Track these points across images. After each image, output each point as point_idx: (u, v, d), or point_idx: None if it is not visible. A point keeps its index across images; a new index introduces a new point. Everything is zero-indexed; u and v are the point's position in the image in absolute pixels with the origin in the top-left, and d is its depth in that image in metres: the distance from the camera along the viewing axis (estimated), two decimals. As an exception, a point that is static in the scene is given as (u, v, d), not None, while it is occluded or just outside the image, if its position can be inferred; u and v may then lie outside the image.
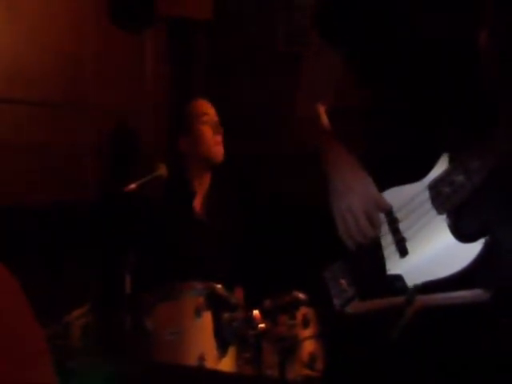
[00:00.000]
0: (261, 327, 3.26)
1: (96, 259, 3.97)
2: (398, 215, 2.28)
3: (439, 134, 2.28)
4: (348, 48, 2.43)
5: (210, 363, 3.27)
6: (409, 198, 2.27)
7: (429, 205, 2.23)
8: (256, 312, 3.30)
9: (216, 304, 3.39)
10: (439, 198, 2.22)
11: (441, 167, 2.22)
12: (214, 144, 3.90)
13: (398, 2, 2.34)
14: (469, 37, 2.27)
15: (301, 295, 3.33)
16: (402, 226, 2.27)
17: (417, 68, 2.29)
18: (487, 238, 2.15)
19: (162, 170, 3.77)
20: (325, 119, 2.48)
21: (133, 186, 3.71)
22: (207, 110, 3.99)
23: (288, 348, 3.33)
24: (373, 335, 2.27)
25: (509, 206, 2.28)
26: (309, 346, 3.32)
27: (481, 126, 2.21)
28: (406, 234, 2.26)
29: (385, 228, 2.29)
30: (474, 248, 2.15)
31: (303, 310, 3.31)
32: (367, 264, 2.34)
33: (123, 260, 3.53)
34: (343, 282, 2.36)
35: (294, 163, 2.76)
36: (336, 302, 2.36)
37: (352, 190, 2.30)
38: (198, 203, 4.01)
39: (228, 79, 4.91)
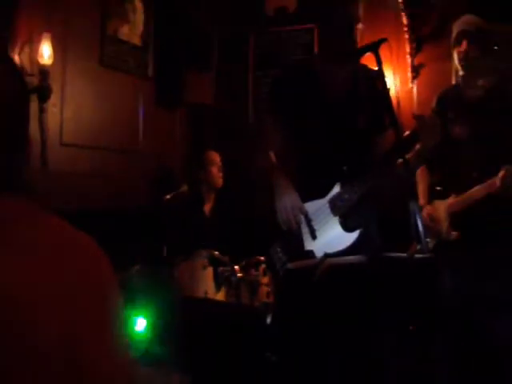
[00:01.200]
0: (239, 276, 3.74)
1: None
2: (312, 216, 2.64)
3: (336, 171, 2.61)
4: (287, 120, 2.71)
5: (211, 296, 3.73)
6: (318, 207, 2.64)
7: (329, 211, 2.62)
8: (237, 267, 3.77)
9: (214, 262, 3.80)
10: (335, 207, 2.60)
11: (335, 190, 2.60)
12: (218, 178, 4.32)
13: (315, 99, 2.65)
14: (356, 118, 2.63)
15: (261, 258, 3.62)
16: (313, 222, 2.64)
17: (325, 132, 2.62)
18: (361, 230, 2.57)
19: (184, 189, 4.28)
20: (274, 161, 2.75)
21: (168, 196, 4.23)
22: (215, 158, 4.37)
23: (254, 287, 3.71)
24: (302, 280, 2.47)
25: (373, 213, 2.71)
26: (266, 287, 3.69)
27: (361, 166, 2.57)
28: (316, 227, 2.64)
29: (304, 223, 2.64)
30: (354, 235, 2.59)
31: (263, 266, 3.66)
32: (294, 243, 2.65)
33: (162, 237, 4.07)
34: (280, 252, 2.69)
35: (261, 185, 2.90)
36: (276, 264, 2.71)
37: (285, 199, 2.59)
38: (207, 209, 4.35)
39: (225, 140, 4.95)
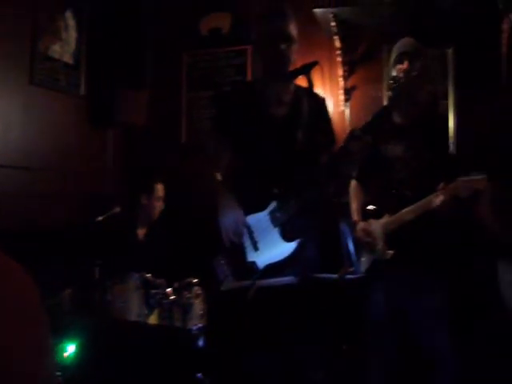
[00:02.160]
0: (172, 298, 3.70)
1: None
2: (254, 229, 2.78)
3: (277, 185, 2.75)
4: (231, 139, 2.90)
5: (143, 319, 3.67)
6: (259, 219, 2.78)
7: (269, 222, 2.77)
8: (169, 289, 3.73)
9: (147, 285, 3.75)
10: (274, 219, 2.75)
11: (275, 202, 2.75)
12: (157, 211, 4.45)
13: (258, 118, 2.83)
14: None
15: (194, 280, 3.70)
16: (255, 234, 2.78)
17: (267, 149, 2.80)
18: (297, 241, 2.69)
19: (117, 210, 4.28)
20: (218, 179, 2.91)
21: (100, 218, 4.19)
22: (160, 192, 4.46)
23: (187, 309, 3.65)
24: (233, 302, 2.70)
25: (311, 225, 2.80)
26: (199, 308, 3.67)
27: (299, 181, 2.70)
28: (257, 239, 2.78)
29: (246, 235, 2.78)
30: (292, 245, 2.70)
31: (196, 289, 3.68)
32: (237, 255, 2.78)
33: (94, 260, 3.91)
34: (224, 265, 2.82)
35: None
36: (220, 277, 2.81)
37: (228, 215, 2.75)
38: (140, 233, 4.45)
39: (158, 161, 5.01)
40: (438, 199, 2.88)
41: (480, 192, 2.82)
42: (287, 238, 2.75)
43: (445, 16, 4.11)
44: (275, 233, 2.78)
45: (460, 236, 3.37)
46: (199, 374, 3.35)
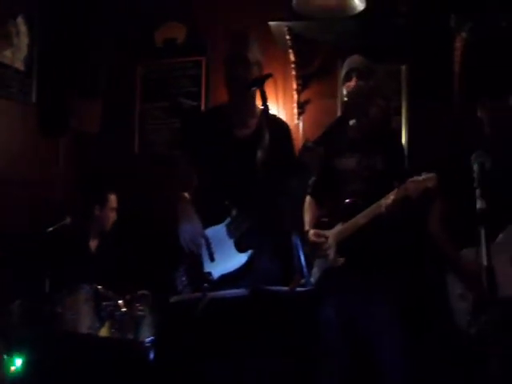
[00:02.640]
0: (123, 310, 3.77)
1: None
2: (211, 240, 2.93)
3: (234, 200, 2.88)
4: (196, 156, 3.06)
5: (94, 331, 3.73)
6: (216, 231, 2.93)
7: (225, 234, 2.92)
8: (121, 301, 3.80)
9: (98, 297, 3.80)
10: (230, 231, 2.91)
11: (232, 215, 2.89)
12: (110, 223, 4.50)
13: (223, 138, 3.01)
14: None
15: (146, 292, 3.81)
16: (212, 246, 2.93)
17: (227, 166, 2.95)
18: (250, 252, 2.83)
19: (68, 221, 4.24)
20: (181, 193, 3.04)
21: (50, 228, 4.18)
22: (113, 203, 4.50)
23: (139, 322, 3.75)
24: (185, 313, 2.63)
25: (260, 240, 2.89)
26: (151, 320, 3.77)
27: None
28: (214, 250, 2.93)
29: (204, 246, 2.92)
30: (245, 256, 2.84)
31: (147, 301, 3.80)
32: (194, 265, 2.92)
33: (44, 271, 3.94)
34: (183, 275, 2.94)
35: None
36: (178, 286, 2.93)
37: (188, 225, 2.89)
38: (93, 244, 4.47)
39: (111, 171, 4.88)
40: (388, 200, 2.94)
41: (430, 191, 2.88)
42: (241, 249, 2.90)
43: (399, 33, 4.20)
44: (230, 244, 2.92)
45: (412, 241, 3.44)
46: (151, 388, 3.37)
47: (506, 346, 2.24)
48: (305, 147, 2.72)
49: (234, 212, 2.93)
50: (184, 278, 2.97)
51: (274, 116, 2.92)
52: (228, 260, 2.90)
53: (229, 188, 2.97)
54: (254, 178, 2.94)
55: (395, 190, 2.94)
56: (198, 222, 2.93)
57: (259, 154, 2.96)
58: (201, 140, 3.10)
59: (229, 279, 2.84)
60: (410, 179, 2.91)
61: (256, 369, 2.49)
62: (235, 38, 3.07)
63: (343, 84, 3.26)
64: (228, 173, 2.99)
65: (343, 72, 3.28)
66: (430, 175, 2.89)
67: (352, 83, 3.20)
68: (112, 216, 4.51)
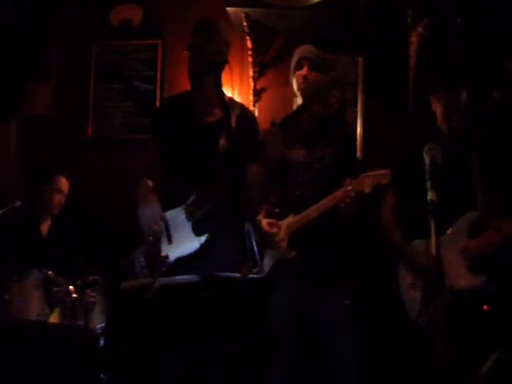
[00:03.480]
0: (74, 296, 3.75)
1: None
2: (170, 223, 2.95)
3: (194, 183, 2.92)
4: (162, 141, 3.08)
5: (43, 318, 3.72)
6: (176, 214, 2.96)
7: (184, 217, 2.95)
8: (72, 287, 3.79)
9: (48, 283, 3.80)
10: (189, 213, 2.94)
11: (191, 198, 2.92)
12: (59, 206, 4.44)
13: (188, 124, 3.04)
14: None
15: (98, 277, 3.80)
16: (170, 228, 2.95)
17: (191, 151, 2.99)
18: (206, 236, 2.86)
19: (17, 204, 4.14)
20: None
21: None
22: (63, 186, 4.45)
23: (90, 308, 3.75)
24: (136, 299, 2.71)
25: (217, 224, 2.92)
26: (102, 306, 3.78)
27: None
28: (172, 232, 2.94)
29: (163, 229, 2.93)
30: (202, 239, 2.87)
31: (99, 286, 3.80)
32: (152, 247, 2.91)
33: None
34: (141, 256, 2.95)
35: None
36: (136, 268, 2.95)
37: (147, 207, 2.89)
38: (43, 228, 4.43)
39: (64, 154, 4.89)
40: (340, 193, 3.01)
41: (383, 186, 2.97)
42: (197, 232, 2.91)
43: (356, 25, 4.25)
44: (188, 227, 2.94)
45: (363, 234, 3.48)
46: (103, 375, 3.36)
47: (452, 335, 2.27)
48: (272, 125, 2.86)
49: (193, 196, 2.94)
50: (142, 259, 2.96)
51: (243, 105, 2.96)
52: (185, 243, 2.92)
53: (190, 173, 2.98)
54: (215, 163, 2.94)
55: (347, 184, 2.99)
56: (157, 205, 2.93)
57: (222, 140, 2.97)
58: (167, 126, 3.10)
59: (184, 263, 2.86)
60: (363, 174, 2.98)
61: (206, 354, 2.55)
62: (201, 26, 3.05)
63: (294, 73, 3.30)
64: (190, 158, 2.99)
65: (294, 60, 3.32)
66: (383, 171, 2.97)
67: (303, 72, 3.25)
68: (59, 198, 4.43)
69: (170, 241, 2.95)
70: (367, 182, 2.97)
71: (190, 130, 3.05)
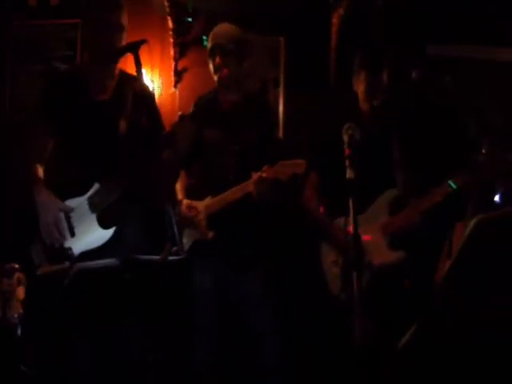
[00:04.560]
0: None
1: None
2: (71, 214, 2.81)
3: (97, 170, 2.80)
4: (57, 125, 2.91)
5: None
6: (77, 204, 2.82)
7: (87, 208, 2.81)
8: None
9: None
10: (93, 204, 2.80)
11: (95, 188, 2.79)
12: None
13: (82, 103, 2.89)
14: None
15: (16, 265, 3.61)
16: (72, 220, 2.81)
17: (89, 133, 2.83)
18: (117, 227, 2.76)
19: None
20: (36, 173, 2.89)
21: None
22: None
23: (8, 297, 3.56)
24: (50, 287, 2.69)
25: (132, 211, 2.85)
26: (21, 295, 3.60)
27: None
28: (74, 224, 2.81)
29: (63, 220, 2.80)
30: (109, 232, 2.75)
31: (17, 275, 3.61)
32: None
33: None
34: (40, 250, 2.80)
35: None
36: (35, 262, 2.80)
37: (46, 215, 2.77)
38: None
39: None
40: (255, 179, 3.00)
41: (298, 176, 2.98)
42: (104, 225, 2.79)
43: (277, 4, 4.26)
44: (93, 219, 2.81)
45: (282, 216, 3.49)
46: (22, 366, 3.27)
47: (371, 311, 2.33)
48: (180, 118, 2.75)
49: (96, 185, 2.82)
50: (41, 253, 2.83)
51: (138, 69, 2.76)
52: (90, 236, 2.79)
53: (90, 158, 2.85)
54: (117, 146, 2.85)
55: (264, 171, 2.99)
56: (55, 206, 2.81)
57: (121, 121, 2.87)
58: (57, 104, 2.93)
59: (91, 256, 2.71)
60: (280, 162, 2.98)
61: (126, 340, 2.49)
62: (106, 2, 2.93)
63: (209, 59, 3.26)
64: (88, 140, 2.86)
65: (208, 47, 3.27)
66: (299, 161, 2.98)
67: (216, 62, 3.20)
68: None
69: (72, 233, 2.82)
70: (284, 170, 2.97)
71: (85, 109, 2.89)
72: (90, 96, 2.92)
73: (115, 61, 2.93)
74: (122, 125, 2.87)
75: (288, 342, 3.21)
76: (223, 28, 3.30)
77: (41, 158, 2.96)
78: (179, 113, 3.03)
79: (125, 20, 2.91)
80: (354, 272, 2.22)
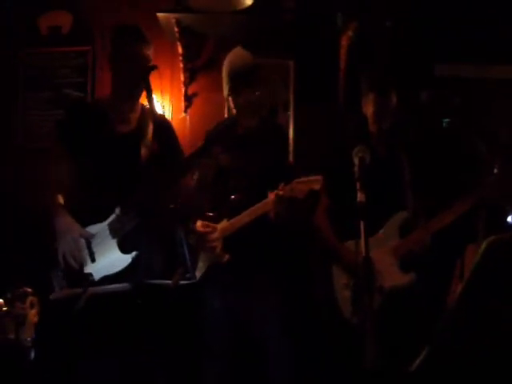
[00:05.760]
0: (4, 309, 3.64)
1: None
2: (92, 240, 2.85)
3: (117, 197, 2.85)
4: (75, 151, 2.97)
5: None
6: (98, 230, 2.86)
7: (107, 233, 2.85)
8: (1, 300, 3.70)
9: None
10: (113, 230, 2.84)
11: (115, 214, 2.84)
12: None
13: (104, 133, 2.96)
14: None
15: (29, 289, 3.68)
16: (93, 245, 2.85)
17: (110, 162, 2.91)
18: (134, 253, 2.79)
19: None
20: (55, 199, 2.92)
21: None
22: None
23: (21, 321, 3.62)
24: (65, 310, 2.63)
25: (151, 237, 2.92)
26: (33, 319, 3.66)
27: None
28: (95, 249, 2.85)
29: (84, 246, 2.84)
30: (129, 257, 2.80)
31: (30, 298, 3.66)
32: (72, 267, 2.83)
33: None
34: (60, 276, 2.83)
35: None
36: (56, 288, 2.82)
37: (65, 242, 2.80)
38: None
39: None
40: (273, 198, 2.98)
41: (315, 193, 2.97)
42: (124, 250, 2.83)
43: (286, 28, 4.28)
44: (113, 244, 2.85)
45: (297, 238, 3.47)
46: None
47: (382, 334, 2.32)
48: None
49: (117, 211, 2.86)
50: (61, 279, 2.86)
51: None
52: (110, 261, 2.83)
53: (111, 185, 2.89)
54: (137, 175, 2.89)
55: (281, 189, 2.97)
56: (76, 225, 2.85)
57: (143, 150, 2.94)
58: (79, 134, 2.99)
59: (112, 281, 2.74)
60: (296, 180, 2.97)
61: (138, 364, 2.50)
62: (130, 35, 3.00)
63: (229, 95, 3.21)
64: (110, 169, 2.91)
65: (226, 76, 3.23)
66: (316, 177, 2.96)
67: (241, 99, 3.17)
68: None
69: (92, 258, 2.86)
70: (300, 187, 2.96)
71: (107, 139, 2.97)
72: (114, 127, 2.98)
73: (139, 95, 2.98)
74: (144, 153, 2.94)
75: (299, 365, 3.17)
76: (238, 53, 3.30)
77: (61, 186, 3.00)
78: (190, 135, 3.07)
79: (152, 54, 2.97)
80: (365, 295, 2.23)
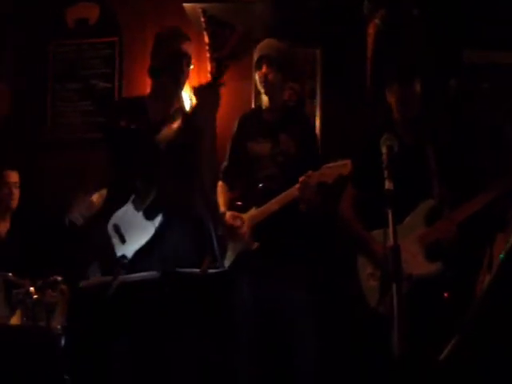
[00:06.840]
0: (35, 297, 3.64)
1: None
2: (119, 222, 2.88)
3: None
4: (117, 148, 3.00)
5: (3, 320, 3.69)
6: (124, 210, 2.89)
7: (132, 209, 2.88)
8: (32, 288, 3.66)
9: (8, 285, 3.76)
10: (137, 203, 2.87)
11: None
12: (11, 199, 4.29)
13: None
14: None
15: (59, 278, 3.68)
16: (121, 228, 2.87)
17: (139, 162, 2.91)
18: (160, 218, 2.79)
19: None
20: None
21: None
22: (11, 178, 4.30)
23: (51, 309, 3.64)
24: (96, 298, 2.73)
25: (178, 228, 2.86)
26: (64, 307, 3.69)
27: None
28: (123, 231, 2.86)
29: (113, 232, 2.88)
30: (155, 222, 2.80)
31: (61, 287, 3.68)
32: (107, 253, 2.88)
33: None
34: (94, 263, 2.85)
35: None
36: (90, 276, 2.81)
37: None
38: (2, 230, 4.30)
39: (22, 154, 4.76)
40: (301, 183, 3.01)
41: (344, 177, 3.00)
42: (150, 217, 2.83)
43: (313, 16, 4.28)
44: (138, 216, 2.86)
45: (325, 226, 3.48)
46: (66, 376, 3.32)
47: (410, 323, 2.27)
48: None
49: (137, 183, 2.89)
50: (95, 267, 2.89)
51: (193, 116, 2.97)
52: (138, 234, 2.85)
53: (136, 170, 2.92)
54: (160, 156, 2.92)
55: (309, 176, 2.99)
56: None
57: (165, 142, 2.95)
58: (121, 132, 3.01)
59: (142, 254, 2.80)
60: (326, 165, 2.99)
61: (168, 351, 2.52)
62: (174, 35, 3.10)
63: (255, 71, 3.35)
64: (138, 158, 2.92)
65: (254, 59, 3.36)
66: (345, 161, 2.99)
67: (263, 71, 3.27)
68: (9, 190, 4.31)
69: (122, 240, 2.88)
70: (329, 172, 2.99)
71: (147, 144, 2.95)
72: (154, 129, 2.98)
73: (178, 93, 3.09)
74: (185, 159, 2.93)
75: (326, 355, 3.19)
76: (270, 41, 3.39)
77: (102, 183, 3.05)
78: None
79: (191, 51, 3.12)
80: (393, 284, 2.20)
